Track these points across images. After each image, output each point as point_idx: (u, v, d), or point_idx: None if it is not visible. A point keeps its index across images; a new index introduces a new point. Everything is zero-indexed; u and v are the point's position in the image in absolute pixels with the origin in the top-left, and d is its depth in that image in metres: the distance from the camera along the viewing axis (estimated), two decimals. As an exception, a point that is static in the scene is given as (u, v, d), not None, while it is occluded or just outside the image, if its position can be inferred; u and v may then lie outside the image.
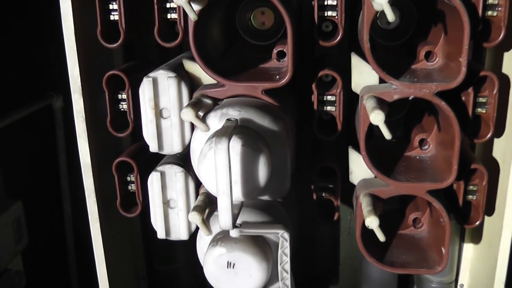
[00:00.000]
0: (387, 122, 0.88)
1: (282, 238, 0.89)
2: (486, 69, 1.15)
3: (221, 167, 0.79)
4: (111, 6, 1.06)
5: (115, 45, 1.06)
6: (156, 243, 1.41)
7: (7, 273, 1.42)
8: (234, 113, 0.88)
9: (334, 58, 1.12)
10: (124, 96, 1.10)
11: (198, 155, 0.89)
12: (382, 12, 1.06)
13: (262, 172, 0.85)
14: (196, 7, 0.89)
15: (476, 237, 1.26)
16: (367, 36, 0.91)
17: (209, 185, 0.86)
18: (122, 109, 1.12)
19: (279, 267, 0.91)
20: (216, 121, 0.89)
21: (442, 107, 0.93)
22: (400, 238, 1.13)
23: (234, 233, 0.89)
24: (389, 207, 1.22)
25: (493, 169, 1.12)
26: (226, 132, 0.80)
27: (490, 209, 1.15)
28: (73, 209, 1.68)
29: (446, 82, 0.93)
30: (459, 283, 1.35)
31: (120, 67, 1.14)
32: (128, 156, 1.13)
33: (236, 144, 0.82)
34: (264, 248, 0.90)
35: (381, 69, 0.92)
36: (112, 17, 1.06)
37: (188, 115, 0.88)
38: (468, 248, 1.31)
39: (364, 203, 0.96)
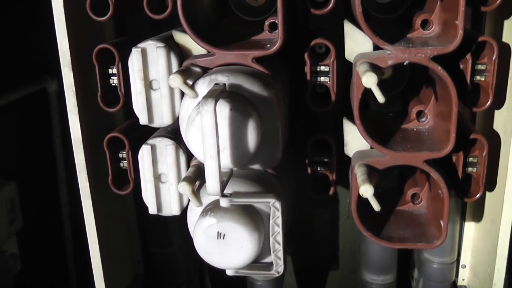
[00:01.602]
0: (380, 86, 0.85)
1: (273, 208, 0.87)
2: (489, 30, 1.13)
3: (208, 129, 0.77)
4: (100, -19, 1.04)
5: (104, 18, 1.04)
6: (152, 226, 1.39)
7: (1, 255, 1.40)
8: (223, 79, 0.86)
9: (328, 31, 1.10)
10: (115, 71, 1.08)
11: (185, 121, 0.87)
12: None
13: (252, 138, 0.83)
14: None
15: (477, 215, 1.23)
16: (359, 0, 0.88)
17: (197, 151, 0.84)
18: (113, 84, 1.10)
19: (271, 238, 0.89)
20: (204, 87, 0.86)
21: (438, 72, 0.91)
22: (398, 214, 1.10)
23: (224, 202, 0.86)
24: (388, 185, 1.19)
25: (494, 142, 1.10)
26: (212, 95, 0.78)
27: (491, 185, 1.13)
28: (69, 193, 1.66)
29: (442, 46, 0.90)
30: (461, 263, 1.32)
31: (111, 41, 1.11)
32: (120, 132, 1.11)
33: (224, 108, 0.80)
34: (255, 219, 0.87)
35: (374, 34, 0.89)
36: (102, -9, 1.04)
37: (176, 81, 0.85)
38: (470, 227, 1.28)
39: (358, 173, 0.93)
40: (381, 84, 1.08)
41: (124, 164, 1.13)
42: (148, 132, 1.08)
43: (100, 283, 1.22)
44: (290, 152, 1.11)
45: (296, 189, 1.33)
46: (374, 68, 0.89)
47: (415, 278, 1.39)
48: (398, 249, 1.39)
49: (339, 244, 1.59)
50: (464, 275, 1.34)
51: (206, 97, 0.77)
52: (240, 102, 0.83)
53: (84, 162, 1.12)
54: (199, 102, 0.84)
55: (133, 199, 1.34)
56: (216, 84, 0.83)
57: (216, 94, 0.78)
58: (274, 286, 1.37)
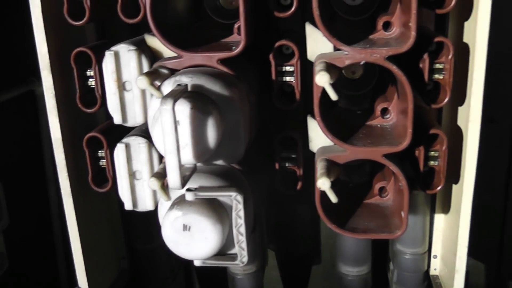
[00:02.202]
0: (336, 85, 0.90)
1: (235, 201, 0.91)
2: (450, 39, 1.17)
3: (167, 127, 0.82)
4: (77, -15, 1.09)
5: (81, 22, 1.09)
6: (135, 222, 1.44)
7: (-14, 253, 1.45)
8: (186, 80, 0.91)
9: (297, 32, 1.14)
10: (93, 73, 1.13)
11: (151, 121, 0.92)
12: None
13: (212, 135, 0.88)
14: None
15: (446, 206, 1.27)
16: (317, 2, 0.92)
17: (160, 147, 0.89)
18: (91, 86, 1.15)
19: (234, 230, 0.93)
20: (169, 88, 0.91)
21: (393, 71, 0.95)
22: (365, 207, 1.15)
23: (189, 196, 0.91)
24: (359, 180, 1.24)
25: (458, 136, 1.14)
26: (172, 94, 0.83)
27: (456, 177, 1.17)
28: (58, 193, 1.70)
29: (397, 46, 0.94)
30: (432, 254, 1.37)
31: (89, 44, 1.16)
32: (99, 132, 1.16)
33: (185, 107, 0.85)
34: (219, 211, 0.92)
35: (332, 36, 0.94)
36: (79, -4, 1.10)
37: (143, 82, 0.90)
38: (439, 219, 1.32)
39: (318, 167, 0.98)
40: (350, 83, 1.15)
41: (103, 162, 1.18)
42: (126, 132, 1.13)
43: (82, 280, 1.27)
44: (263, 149, 1.17)
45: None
46: (332, 68, 0.94)
47: (390, 269, 1.44)
48: (373, 242, 1.44)
49: (321, 239, 1.64)
50: (436, 265, 1.38)
51: (166, 96, 0.82)
52: (200, 101, 0.87)
53: (64, 161, 1.17)
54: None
55: (116, 196, 1.38)
56: (178, 85, 0.88)
57: (176, 94, 0.83)
58: (254, 280, 1.42)
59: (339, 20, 1.14)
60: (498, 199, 1.60)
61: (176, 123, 0.82)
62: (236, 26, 1.08)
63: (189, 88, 0.90)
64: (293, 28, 1.19)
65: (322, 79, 0.88)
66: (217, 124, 0.88)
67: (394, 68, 0.95)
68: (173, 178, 0.85)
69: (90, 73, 1.14)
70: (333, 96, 0.90)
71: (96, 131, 1.17)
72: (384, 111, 1.11)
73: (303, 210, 1.56)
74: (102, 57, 1.10)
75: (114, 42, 1.20)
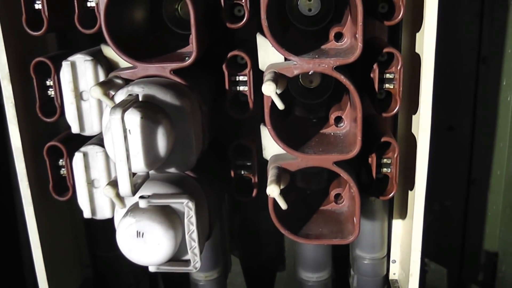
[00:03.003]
0: (283, 95, 0.92)
1: (187, 208, 0.93)
2: (403, 50, 1.21)
3: (116, 135, 0.84)
4: (35, -5, 1.11)
5: (39, 32, 1.11)
6: (98, 229, 1.45)
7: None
8: (138, 90, 0.93)
9: (253, 42, 1.16)
10: (52, 83, 1.15)
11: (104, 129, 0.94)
12: (302, 1, 1.13)
13: (163, 144, 0.90)
14: (106, -7, 0.94)
15: (402, 212, 1.30)
16: (264, 14, 0.95)
17: (112, 156, 0.91)
18: (51, 95, 1.16)
19: (187, 236, 0.95)
20: (122, 97, 0.93)
21: (341, 81, 0.98)
22: (321, 213, 1.18)
23: (142, 203, 0.93)
24: (317, 187, 1.27)
25: (412, 144, 1.17)
26: (121, 104, 0.85)
27: (411, 183, 1.20)
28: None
29: (345, 57, 0.97)
30: (391, 258, 1.40)
31: (48, 55, 1.18)
32: (59, 141, 1.18)
33: (135, 117, 0.87)
34: (171, 218, 0.94)
35: (280, 46, 0.97)
36: (37, 6, 1.11)
37: (96, 92, 0.92)
38: (397, 224, 1.35)
39: (269, 174, 1.00)
40: (307, 92, 1.17)
41: (64, 171, 1.20)
42: (87, 140, 1.15)
43: (45, 288, 1.29)
44: (220, 156, 1.19)
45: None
46: (281, 77, 0.97)
47: (351, 275, 1.47)
48: (334, 248, 1.46)
49: (285, 245, 1.66)
50: (395, 270, 1.41)
51: (115, 106, 0.84)
52: (150, 110, 0.90)
53: (25, 170, 1.19)
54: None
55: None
56: (130, 95, 0.90)
57: (126, 104, 0.85)
58: (216, 286, 1.44)
59: (294, 30, 1.17)
60: (459, 203, 1.64)
61: (125, 132, 0.84)
62: (191, 36, 1.10)
63: (140, 98, 0.92)
64: (249, 38, 1.21)
65: (268, 89, 0.90)
66: (168, 133, 0.90)
67: (342, 78, 0.98)
68: (123, 186, 0.87)
69: (49, 82, 1.16)
70: (279, 105, 0.92)
71: (56, 140, 1.19)
72: (338, 120, 1.14)
73: (267, 216, 1.57)
74: (61, 67, 1.12)
75: (75, 51, 1.22)
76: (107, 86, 0.96)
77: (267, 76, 0.95)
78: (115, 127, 0.84)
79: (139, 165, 0.90)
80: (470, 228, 1.65)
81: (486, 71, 1.50)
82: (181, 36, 1.19)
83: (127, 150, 0.85)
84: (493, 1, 1.44)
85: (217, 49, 1.17)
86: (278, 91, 0.93)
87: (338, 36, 1.09)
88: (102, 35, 1.08)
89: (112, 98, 0.96)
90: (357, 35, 0.96)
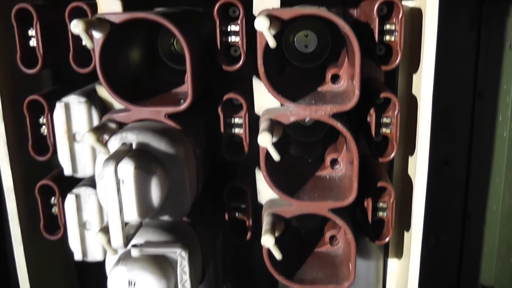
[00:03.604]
0: (280, 150, 0.91)
1: (180, 257, 0.92)
2: (400, 90, 1.20)
3: (109, 188, 0.83)
4: (30, 33, 1.10)
5: (33, 70, 1.10)
6: (91, 270, 1.43)
7: None
8: (132, 137, 0.92)
9: (249, 81, 1.15)
10: (45, 120, 1.13)
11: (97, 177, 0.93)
12: (299, 37, 1.12)
13: (156, 194, 0.88)
14: (98, 35, 0.93)
15: (398, 252, 1.29)
16: (261, 60, 0.94)
17: (104, 205, 0.89)
18: (44, 134, 1.15)
19: (179, 285, 0.94)
20: (116, 144, 0.92)
21: (338, 128, 0.97)
22: (315, 255, 1.16)
23: (134, 252, 0.92)
24: (311, 226, 1.25)
25: (409, 186, 1.16)
26: (115, 155, 0.83)
27: (407, 224, 1.19)
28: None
29: (342, 104, 0.96)
30: (386, 297, 1.39)
31: (42, 92, 1.17)
32: (51, 180, 1.16)
33: (128, 167, 0.86)
34: (164, 267, 0.93)
35: (276, 92, 0.96)
36: (31, 43, 1.10)
37: (90, 139, 0.91)
38: (392, 263, 1.34)
39: (264, 222, 0.99)
40: (301, 129, 1.16)
41: (55, 210, 1.18)
42: (79, 179, 1.13)
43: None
44: (214, 197, 1.17)
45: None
46: (277, 125, 0.95)
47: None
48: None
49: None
50: (390, 308, 1.40)
51: (108, 158, 0.83)
52: (144, 160, 0.88)
53: (15, 209, 1.18)
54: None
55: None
56: (123, 144, 0.89)
57: (119, 155, 0.84)
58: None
59: (291, 68, 1.16)
60: (455, 238, 1.63)
61: (118, 184, 0.83)
62: (186, 75, 1.09)
63: (134, 146, 0.90)
64: (244, 76, 1.20)
65: (264, 140, 0.89)
66: (162, 183, 0.89)
67: (338, 125, 0.97)
68: (115, 238, 0.85)
69: (43, 120, 1.14)
70: (275, 156, 0.91)
71: (48, 178, 1.17)
72: (334, 162, 1.12)
73: (260, 250, 1.56)
74: (54, 105, 1.10)
75: (69, 88, 1.21)
76: (101, 132, 0.95)
77: (262, 124, 0.93)
78: (108, 179, 0.83)
79: (132, 215, 0.88)
80: (466, 263, 1.64)
81: (482, 106, 1.50)
82: (176, 71, 1.18)
83: (120, 202, 0.84)
84: (489, 37, 1.44)
85: (212, 86, 1.17)
86: (274, 139, 0.92)
87: (335, 78, 1.08)
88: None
89: (105, 144, 0.94)
90: (354, 82, 0.95)
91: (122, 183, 0.86)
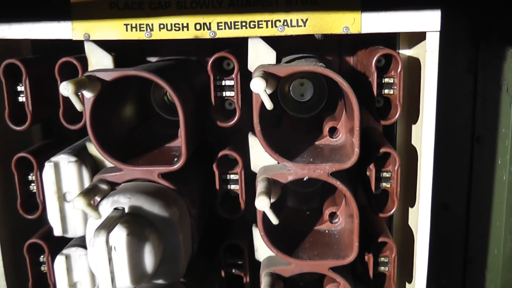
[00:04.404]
0: (277, 206, 0.88)
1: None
2: (398, 141, 1.17)
3: (100, 258, 0.79)
4: (19, 88, 1.07)
5: (22, 127, 1.06)
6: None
7: None
8: (124, 201, 0.88)
9: (240, 133, 1.13)
10: (34, 177, 1.10)
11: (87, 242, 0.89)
12: (295, 85, 1.10)
13: (149, 260, 0.85)
14: (89, 95, 0.90)
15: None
16: (257, 119, 0.91)
17: (95, 272, 0.86)
18: (33, 190, 1.11)
19: None
20: (107, 208, 0.89)
21: (338, 186, 0.94)
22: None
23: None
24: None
25: (410, 236, 1.13)
26: (107, 223, 0.80)
27: (409, 277, 1.15)
28: None
29: (340, 162, 0.93)
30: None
31: (30, 149, 1.14)
32: (40, 238, 1.13)
33: (121, 234, 0.82)
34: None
35: (274, 151, 0.93)
36: (20, 99, 1.07)
37: (80, 203, 0.87)
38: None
39: (263, 283, 0.96)
40: (298, 180, 1.12)
41: (45, 267, 1.14)
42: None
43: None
44: (209, 253, 1.14)
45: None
46: (273, 185, 0.92)
47: None
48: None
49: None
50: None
51: (100, 227, 0.79)
52: (138, 225, 0.85)
53: (2, 269, 1.14)
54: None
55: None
56: (115, 209, 0.85)
57: (111, 223, 0.80)
58: None
59: (287, 119, 1.13)
60: (456, 282, 1.59)
61: (110, 253, 0.80)
62: (180, 130, 1.06)
63: (126, 210, 0.87)
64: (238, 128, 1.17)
65: (261, 204, 0.86)
66: (155, 249, 0.86)
67: (338, 184, 0.94)
68: (106, 309, 0.82)
69: (32, 177, 1.11)
70: (274, 220, 0.88)
71: (37, 237, 1.14)
72: (332, 215, 1.09)
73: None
74: (43, 162, 1.07)
75: (59, 143, 1.18)
76: (91, 195, 0.91)
77: (260, 185, 0.90)
78: (99, 249, 0.79)
79: (124, 283, 0.85)
80: (467, 308, 1.61)
81: (480, 150, 1.47)
82: (170, 122, 1.15)
83: (111, 272, 0.80)
84: (486, 80, 1.42)
85: (205, 138, 1.14)
86: (272, 200, 0.89)
87: (332, 131, 1.05)
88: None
89: (96, 207, 0.91)
90: (354, 139, 0.92)
91: (114, 250, 0.82)
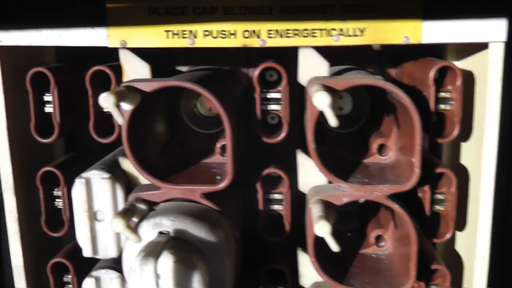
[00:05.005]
0: (335, 232, 0.81)
1: None
2: (444, 159, 1.10)
3: (147, 286, 0.72)
4: (45, 98, 1.00)
5: (50, 139, 0.99)
6: None
7: None
8: (168, 223, 0.81)
9: (283, 149, 1.06)
10: (60, 193, 1.03)
11: (129, 267, 0.81)
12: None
13: (197, 288, 0.77)
14: (128, 107, 0.83)
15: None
16: (312, 136, 0.85)
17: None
18: (58, 206, 1.04)
19: None
20: (148, 230, 0.81)
21: (396, 210, 0.87)
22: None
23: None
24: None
25: (458, 267, 1.06)
26: (154, 251, 0.73)
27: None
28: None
29: (399, 184, 0.86)
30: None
31: (56, 162, 1.06)
32: (65, 257, 1.05)
33: (167, 261, 0.75)
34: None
35: (329, 171, 0.86)
36: (46, 109, 1.00)
37: (118, 226, 0.80)
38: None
39: (315, 210, 0.87)
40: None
41: (69, 288, 1.07)
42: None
43: None
44: (247, 277, 1.07)
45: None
46: (328, 207, 0.85)
47: None
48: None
49: None
50: None
51: (146, 255, 0.72)
52: (185, 252, 0.78)
53: (25, 288, 1.06)
54: (141, 250, 0.79)
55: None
56: (160, 233, 0.78)
57: (158, 249, 0.73)
58: None
59: (330, 136, 1.06)
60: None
61: (158, 283, 0.72)
62: (218, 145, 1.00)
63: (171, 233, 0.80)
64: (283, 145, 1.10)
65: (321, 230, 0.79)
66: (203, 277, 0.78)
67: (396, 207, 0.87)
68: None
69: (57, 192, 1.04)
70: (334, 247, 0.81)
71: (61, 255, 1.06)
72: (378, 238, 1.02)
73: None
74: (70, 176, 1.00)
75: (85, 155, 1.11)
76: (129, 215, 0.84)
77: (316, 209, 0.83)
78: (147, 278, 0.72)
79: (169, 315, 0.77)
80: None
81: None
82: (201, 135, 1.09)
83: (159, 304, 0.73)
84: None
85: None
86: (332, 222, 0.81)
87: (381, 148, 0.98)
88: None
89: (135, 229, 0.83)
90: (413, 159, 0.85)
91: (159, 278, 0.75)
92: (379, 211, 1.06)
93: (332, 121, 0.78)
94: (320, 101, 0.76)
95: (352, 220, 1.12)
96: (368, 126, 1.08)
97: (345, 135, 1.09)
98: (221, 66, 1.13)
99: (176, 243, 0.78)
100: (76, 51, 0.98)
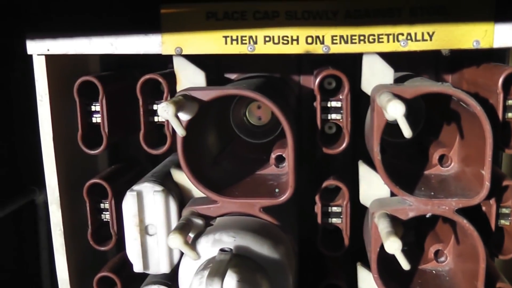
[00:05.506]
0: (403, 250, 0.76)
1: None
2: (504, 170, 1.06)
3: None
4: (93, 108, 0.97)
5: (97, 151, 0.96)
6: None
7: None
8: (229, 240, 0.77)
9: (338, 159, 1.02)
10: (107, 206, 0.99)
11: (186, 285, 0.78)
12: None
13: (262, 311, 0.74)
14: (185, 117, 0.80)
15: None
16: (378, 147, 0.80)
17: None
18: (104, 219, 1.01)
19: None
20: (208, 247, 0.78)
21: (464, 226, 0.83)
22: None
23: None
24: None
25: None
26: (219, 271, 0.69)
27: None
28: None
29: (467, 197, 0.82)
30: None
31: (103, 174, 1.03)
32: (110, 271, 1.02)
33: (230, 280, 0.71)
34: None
35: (394, 184, 0.82)
36: (94, 120, 0.97)
37: (176, 242, 0.77)
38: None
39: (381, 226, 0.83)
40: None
41: (117, 304, 1.04)
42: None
43: None
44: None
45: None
46: (395, 222, 0.81)
47: None
48: None
49: None
50: None
51: (211, 275, 0.68)
52: (249, 270, 0.74)
53: (70, 304, 1.03)
54: (202, 267, 0.75)
55: None
56: (221, 250, 0.74)
57: (223, 268, 0.69)
58: None
59: (387, 146, 1.02)
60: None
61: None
62: (273, 156, 0.95)
63: (233, 251, 0.76)
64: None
65: (392, 247, 0.75)
66: (268, 298, 0.74)
67: (465, 223, 0.82)
68: None
69: (104, 205, 1.00)
70: (405, 265, 0.76)
71: (107, 269, 1.03)
72: (437, 253, 0.98)
73: None
74: (118, 188, 0.97)
75: (131, 165, 1.08)
76: (186, 231, 0.80)
77: (383, 224, 0.79)
78: (212, 301, 0.68)
79: (233, 337, 0.73)
80: None
81: None
82: (252, 146, 1.05)
83: (224, 323, 0.69)
84: None
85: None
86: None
87: (442, 159, 0.94)
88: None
89: (192, 244, 0.80)
90: (483, 172, 0.81)
91: (222, 297, 0.71)
92: (436, 224, 1.02)
93: (407, 131, 0.74)
94: (396, 110, 0.72)
95: (407, 234, 1.07)
96: (424, 135, 1.03)
97: (402, 145, 1.05)
98: (272, 73, 1.09)
99: (239, 261, 0.75)
100: (121, 58, 0.95)
